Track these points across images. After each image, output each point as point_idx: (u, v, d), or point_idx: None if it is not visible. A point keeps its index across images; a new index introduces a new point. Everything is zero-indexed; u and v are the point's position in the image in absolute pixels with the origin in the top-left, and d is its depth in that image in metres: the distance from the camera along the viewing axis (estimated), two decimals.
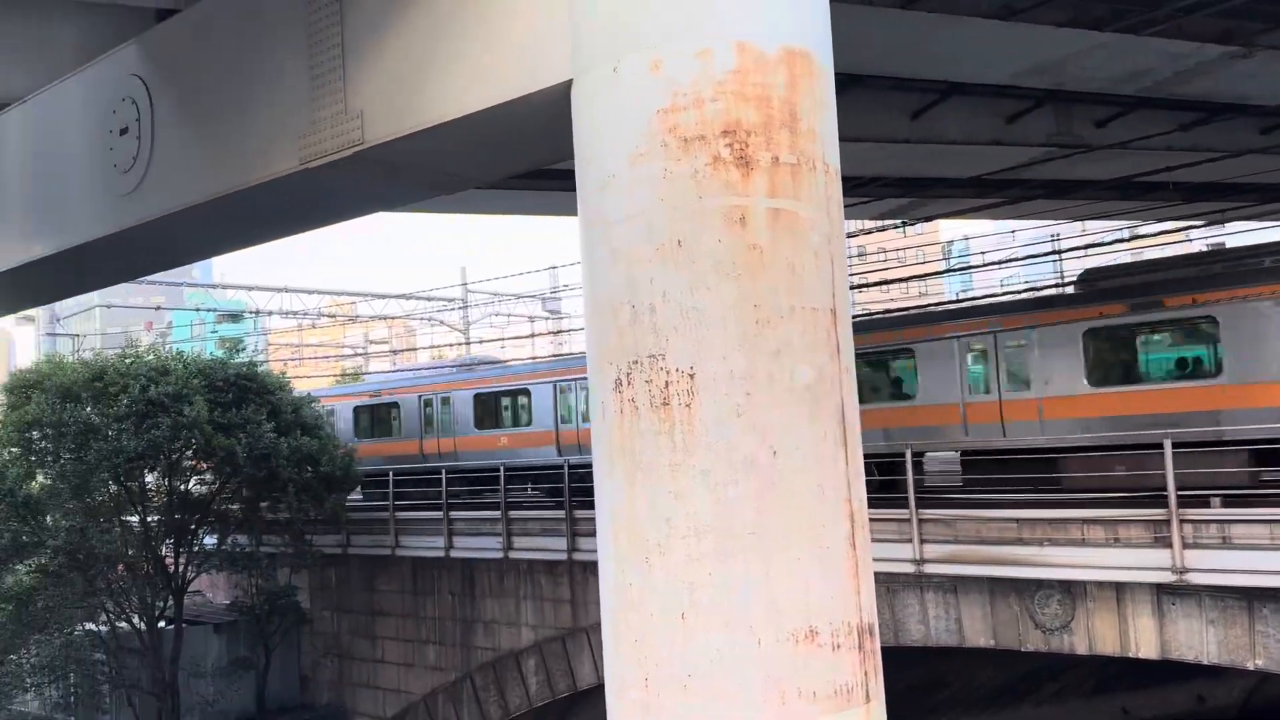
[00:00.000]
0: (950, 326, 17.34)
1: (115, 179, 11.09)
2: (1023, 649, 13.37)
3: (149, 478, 21.04)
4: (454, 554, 19.75)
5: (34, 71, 11.96)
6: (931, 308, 24.21)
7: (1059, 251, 27.80)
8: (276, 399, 22.01)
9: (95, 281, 17.85)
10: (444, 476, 20.14)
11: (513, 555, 18.63)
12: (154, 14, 11.04)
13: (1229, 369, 14.54)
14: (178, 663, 20.97)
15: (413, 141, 8.47)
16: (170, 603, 21.32)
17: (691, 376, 6.02)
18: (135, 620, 20.86)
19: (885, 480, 16.09)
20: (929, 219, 26.59)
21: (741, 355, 6.03)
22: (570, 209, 6.94)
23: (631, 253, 6.21)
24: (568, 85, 6.88)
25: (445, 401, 25.77)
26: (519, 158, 9.42)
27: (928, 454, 17.58)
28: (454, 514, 19.93)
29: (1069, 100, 16.52)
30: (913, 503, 14.06)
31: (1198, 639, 12.06)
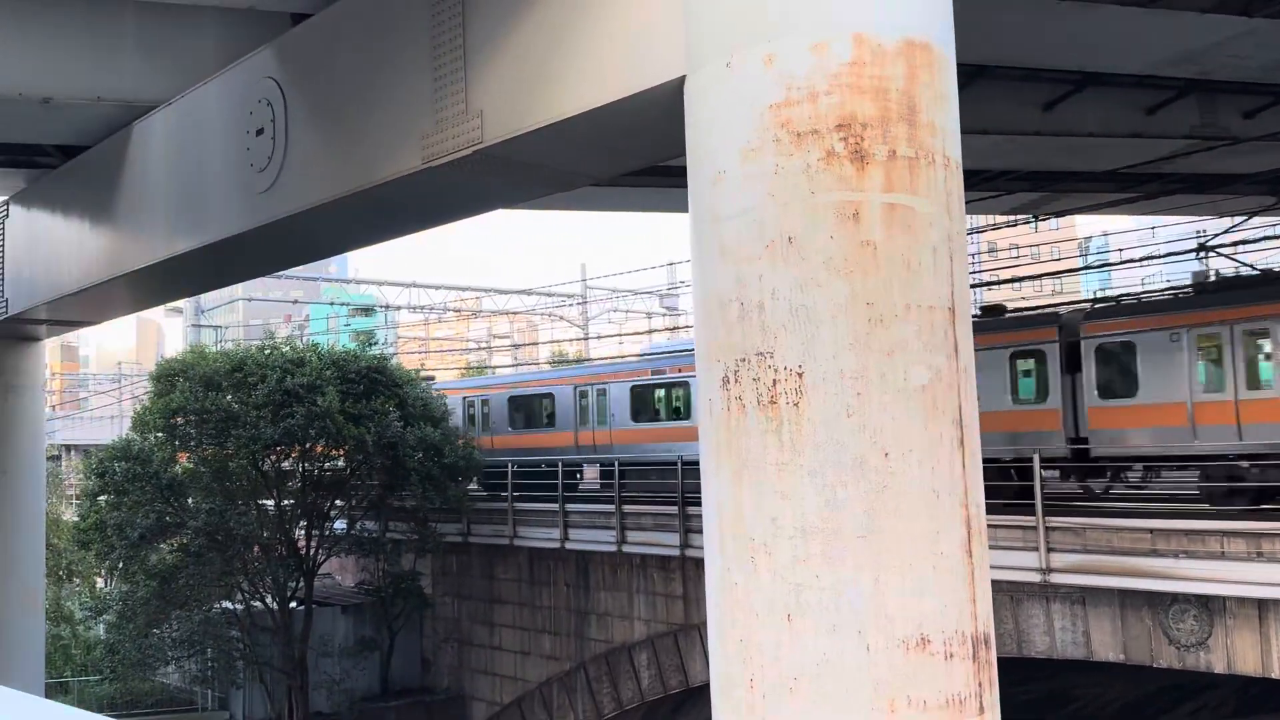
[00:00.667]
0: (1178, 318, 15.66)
1: (252, 178, 11.58)
2: (1155, 665, 12.75)
3: (285, 463, 21.92)
4: (569, 546, 20.00)
5: (178, 75, 12.59)
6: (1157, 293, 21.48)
7: (1205, 248, 26.41)
8: (404, 392, 22.68)
9: (234, 276, 18.76)
10: (560, 469, 20.43)
11: (626, 549, 18.76)
12: (289, 18, 11.48)
13: None
14: (307, 642, 21.83)
15: (530, 140, 8.60)
16: (301, 584, 22.21)
17: (800, 375, 5.93)
18: (268, 600, 21.80)
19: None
20: (1062, 214, 25.60)
21: (852, 355, 5.91)
22: (685, 206, 6.93)
23: (741, 249, 6.16)
24: (681, 81, 6.87)
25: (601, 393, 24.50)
26: (633, 154, 9.46)
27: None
28: (569, 506, 20.17)
29: (1214, 90, 15.65)
30: (1039, 509, 13.55)
31: None
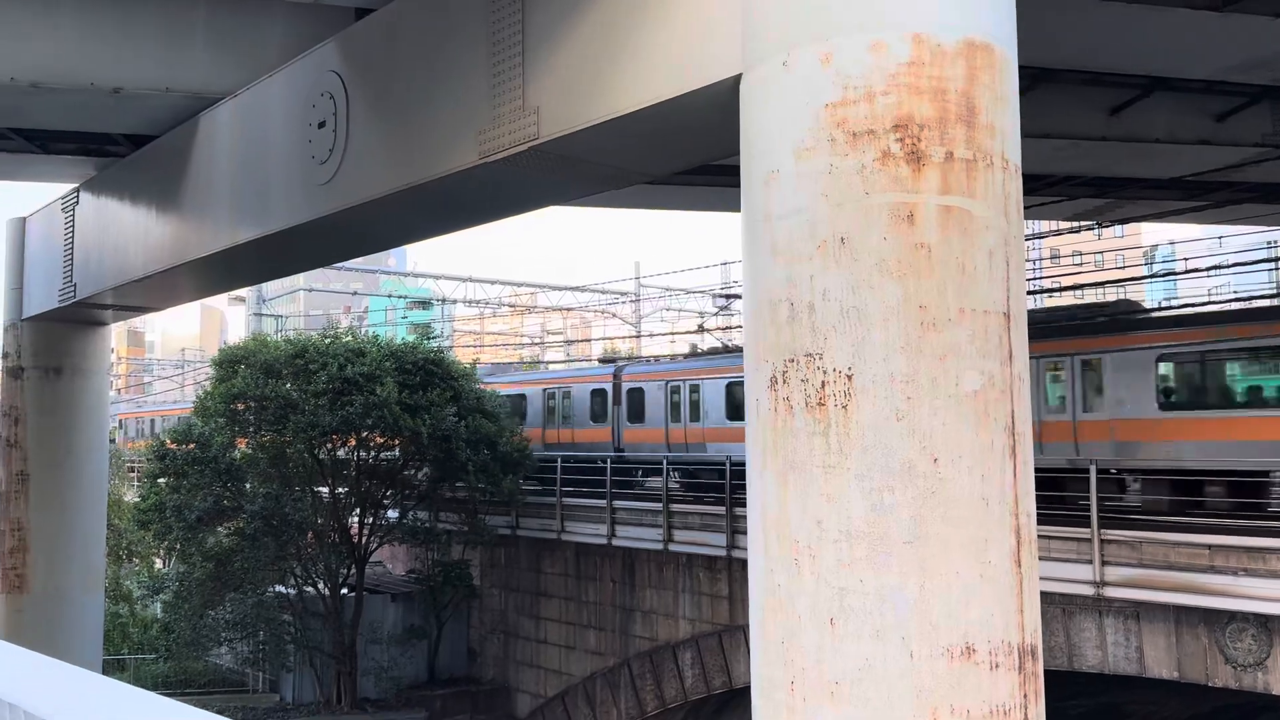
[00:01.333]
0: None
1: (313, 170, 11.77)
2: (1210, 684, 12.45)
3: (341, 451, 22.25)
4: (615, 542, 20.05)
5: (244, 67, 12.84)
6: None
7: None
8: (459, 385, 22.89)
9: (294, 266, 19.06)
10: (608, 465, 20.48)
11: (672, 548, 18.76)
12: (353, 12, 11.65)
13: None
14: (357, 628, 22.15)
15: (586, 136, 8.63)
16: (353, 571, 22.53)
17: (849, 378, 5.89)
18: (320, 585, 22.15)
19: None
20: (1126, 221, 25.08)
21: (903, 358, 5.85)
22: (738, 206, 6.91)
23: (792, 249, 6.12)
24: (737, 79, 6.85)
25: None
26: (688, 153, 9.46)
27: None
28: (616, 503, 20.23)
29: None
30: (1095, 522, 13.31)
31: None
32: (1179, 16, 11.93)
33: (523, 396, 27.35)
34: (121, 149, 16.38)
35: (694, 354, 28.98)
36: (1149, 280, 48.40)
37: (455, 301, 41.80)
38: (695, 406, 22.99)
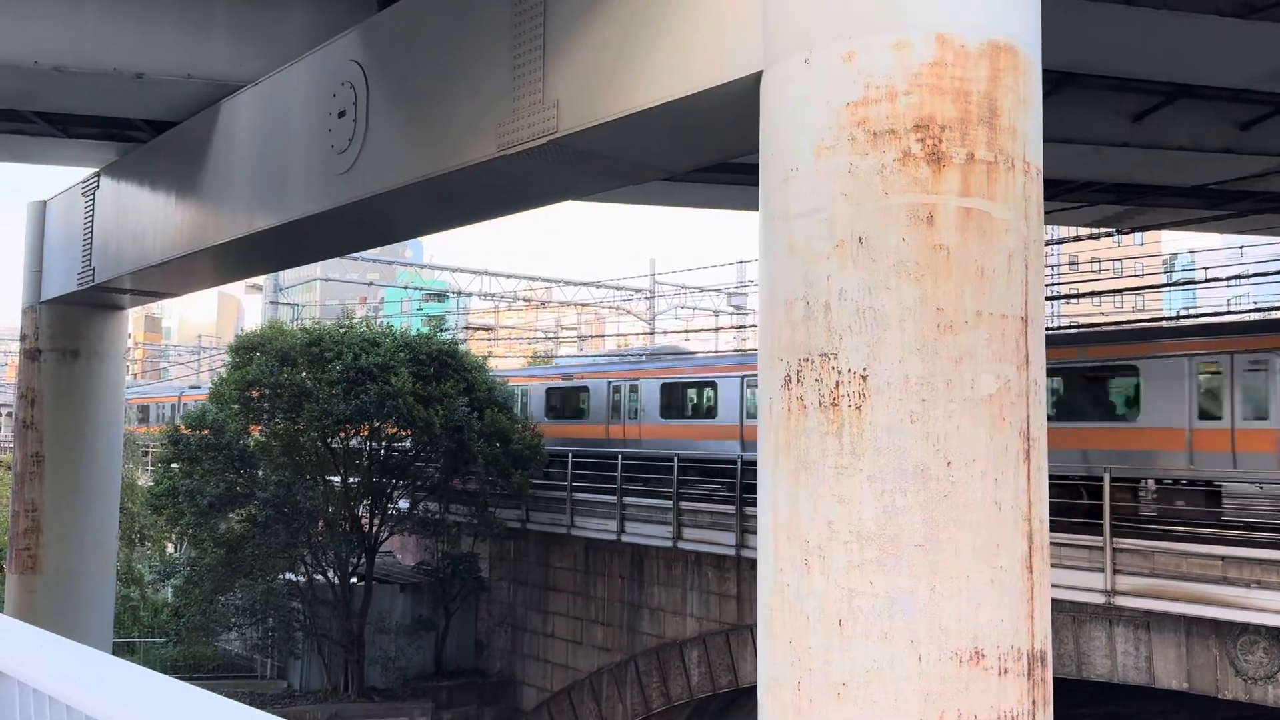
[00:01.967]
0: None
1: (332, 159, 11.79)
2: (1219, 696, 12.38)
3: (353, 441, 22.33)
4: (625, 539, 20.05)
5: (266, 55, 12.87)
6: None
7: None
8: (473, 377, 22.94)
9: (311, 255, 19.12)
10: (619, 461, 20.48)
11: (681, 545, 18.75)
12: (375, 2, 11.66)
13: None
14: (365, 617, 22.23)
15: (605, 131, 8.62)
16: (363, 560, 22.61)
17: (864, 378, 5.86)
18: (330, 574, 22.24)
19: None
20: (1146, 229, 24.92)
21: (919, 360, 5.81)
22: (755, 204, 6.88)
23: (810, 248, 6.09)
24: (758, 77, 6.82)
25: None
26: (706, 149, 9.43)
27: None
28: (627, 500, 20.23)
29: None
30: (1108, 530, 13.24)
31: None
32: (1206, 23, 11.83)
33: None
34: (142, 134, 16.46)
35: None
36: (1168, 289, 48.10)
37: (470, 294, 41.87)
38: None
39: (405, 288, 52.10)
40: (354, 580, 22.56)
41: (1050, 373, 7.14)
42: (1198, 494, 16.09)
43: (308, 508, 21.31)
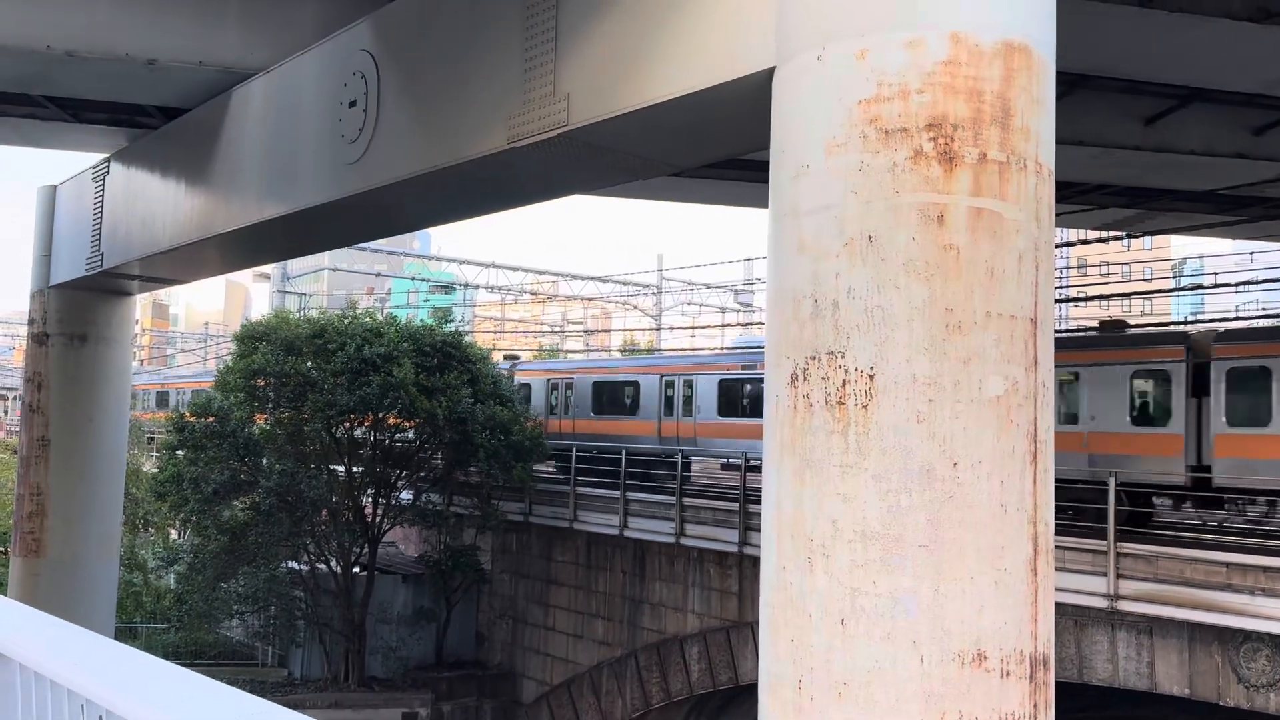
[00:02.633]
0: None
1: (342, 149, 11.78)
2: (1221, 703, 12.35)
3: (357, 431, 22.36)
4: (627, 534, 20.05)
5: (277, 44, 12.86)
6: None
7: None
8: (477, 369, 22.95)
9: (319, 244, 19.14)
10: (624, 456, 20.49)
11: (684, 542, 18.75)
12: None
13: None
14: (367, 607, 22.27)
15: (615, 125, 8.60)
16: (365, 550, 22.64)
17: (871, 377, 5.84)
18: (333, 563, 22.28)
19: None
20: (1156, 233, 24.82)
21: (926, 360, 5.79)
22: (764, 201, 6.86)
23: (819, 246, 6.07)
24: (770, 73, 6.79)
25: None
26: (716, 145, 9.41)
27: None
28: (630, 495, 20.22)
29: None
30: (1112, 534, 13.21)
31: None
32: (1220, 27, 11.76)
33: None
34: (153, 120, 16.47)
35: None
36: (1176, 294, 47.96)
37: (478, 287, 41.88)
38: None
39: (413, 279, 52.13)
40: (356, 570, 22.60)
41: None
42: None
43: (311, 497, 21.35)
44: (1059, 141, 6.52)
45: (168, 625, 25.81)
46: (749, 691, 17.10)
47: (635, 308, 43.70)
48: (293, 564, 22.64)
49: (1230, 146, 15.29)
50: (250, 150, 13.82)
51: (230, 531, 21.58)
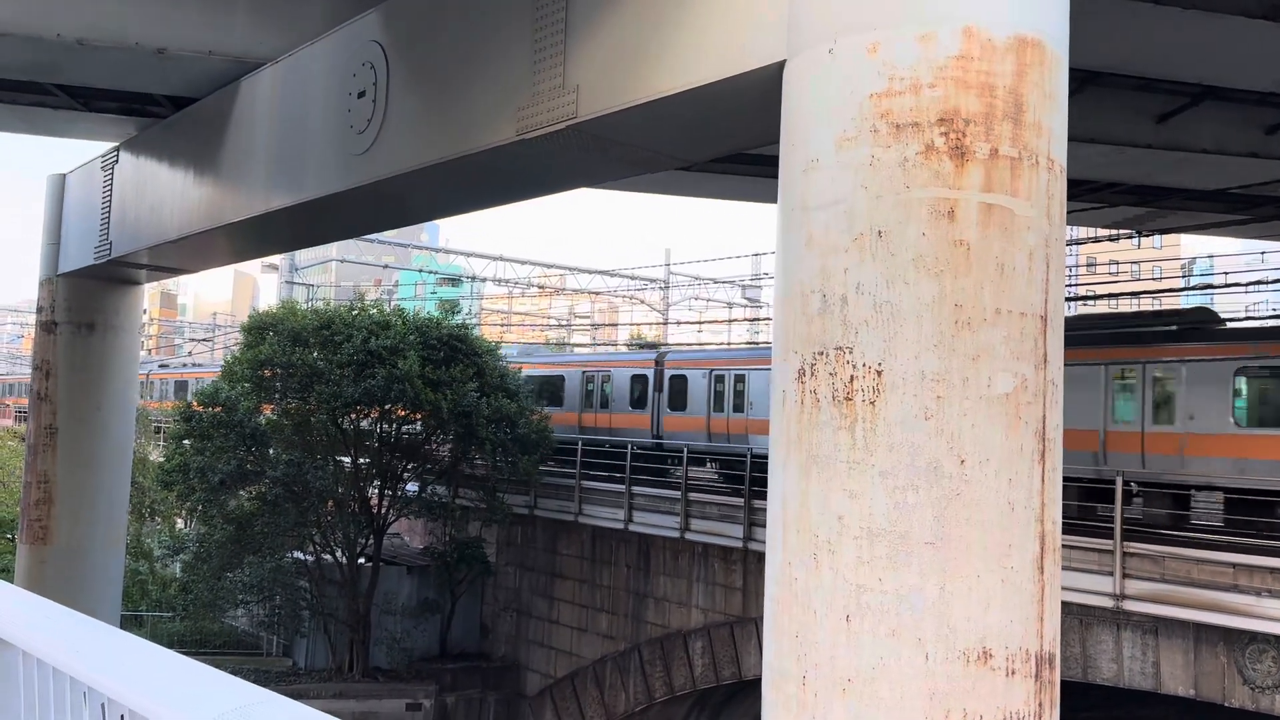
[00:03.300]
0: None
1: (351, 139, 11.76)
2: (1226, 704, 12.30)
3: (363, 423, 22.38)
4: (632, 528, 20.05)
5: (287, 34, 12.84)
6: None
7: None
8: (483, 362, 22.94)
9: (327, 235, 19.12)
10: (629, 450, 20.47)
11: (689, 536, 18.74)
12: None
13: None
14: (372, 598, 22.30)
15: (624, 117, 8.56)
16: (370, 541, 22.67)
17: (879, 373, 5.81)
18: (338, 554, 22.32)
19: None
20: (1166, 231, 24.71)
21: (935, 356, 5.76)
22: (772, 196, 6.82)
23: (828, 240, 6.04)
24: (780, 66, 6.76)
25: None
26: (726, 139, 9.36)
27: None
28: (635, 489, 20.22)
29: None
30: (1118, 534, 13.16)
31: None
32: (1234, 24, 11.68)
33: None
34: (162, 110, 16.47)
35: None
36: (1185, 293, 47.81)
37: (485, 280, 41.87)
38: None
39: (420, 271, 52.12)
40: (361, 561, 22.63)
41: None
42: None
43: (317, 487, 21.38)
44: (1070, 139, 6.48)
45: (173, 614, 25.87)
46: (753, 687, 17.09)
47: (643, 302, 43.66)
48: (298, 554, 22.68)
49: (1242, 145, 15.21)
50: (259, 140, 13.81)
51: (236, 521, 21.62)
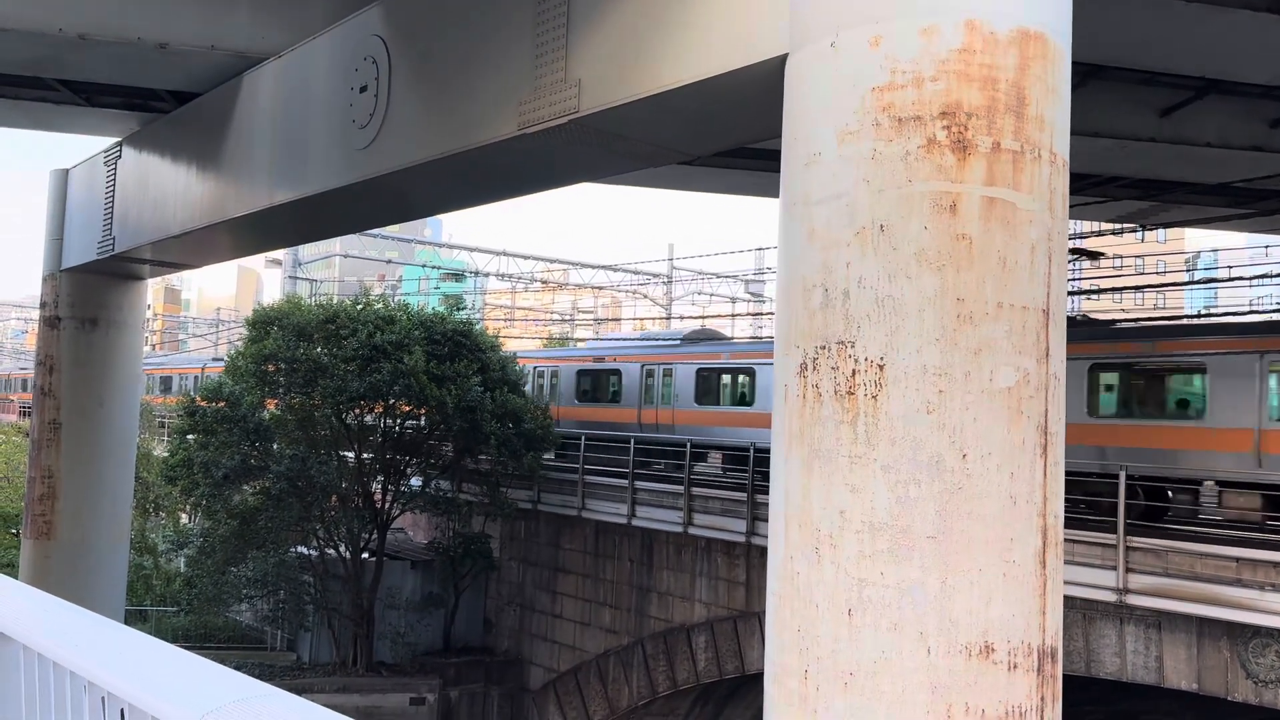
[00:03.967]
0: None
1: (353, 134, 11.76)
2: (1229, 699, 12.30)
3: (368, 418, 22.39)
4: (635, 523, 20.06)
5: (289, 28, 12.84)
6: None
7: None
8: (487, 357, 22.95)
9: (330, 230, 19.14)
10: (632, 445, 20.49)
11: (692, 531, 18.75)
12: None
13: None
14: (376, 593, 22.34)
15: (626, 111, 8.56)
16: (374, 536, 22.70)
17: (881, 368, 5.81)
18: (342, 548, 22.35)
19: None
20: (1170, 225, 24.67)
21: (937, 350, 5.75)
22: (775, 191, 6.82)
23: (830, 235, 6.03)
24: (782, 60, 6.74)
25: None
26: (728, 133, 9.35)
27: None
28: (638, 484, 20.23)
29: None
30: (1121, 528, 13.14)
31: None
32: (1238, 18, 11.66)
33: None
34: (165, 105, 16.48)
35: None
36: (1189, 287, 47.71)
37: (488, 275, 41.87)
38: None
39: (424, 266, 52.14)
40: (365, 555, 22.66)
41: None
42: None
43: (321, 482, 21.40)
44: (1073, 133, 6.46)
45: (177, 609, 25.95)
46: (755, 681, 17.11)
47: (646, 296, 43.65)
48: (302, 549, 22.71)
49: (1246, 139, 15.18)
50: (261, 135, 13.81)
51: (240, 516, 21.65)
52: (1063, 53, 6.23)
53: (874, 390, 5.81)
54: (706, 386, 23.33)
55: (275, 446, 22.07)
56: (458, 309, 27.76)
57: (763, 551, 16.86)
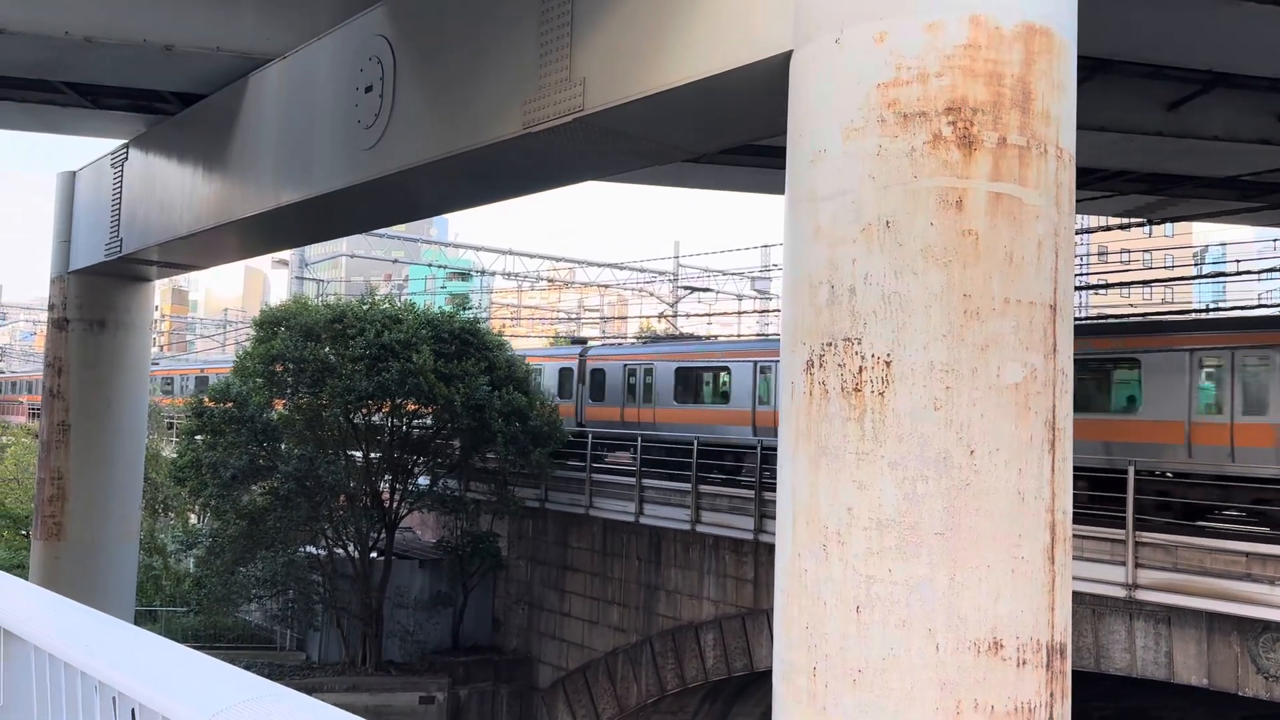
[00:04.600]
0: None
1: (358, 134, 11.78)
2: (1239, 694, 12.26)
3: (375, 417, 22.42)
4: (643, 521, 20.06)
5: (294, 29, 12.86)
6: None
7: None
8: (494, 356, 22.96)
9: (336, 230, 19.19)
10: (639, 444, 20.48)
11: (700, 529, 18.74)
12: None
13: None
14: (384, 592, 22.37)
15: (630, 110, 8.56)
16: (383, 535, 22.73)
17: (888, 364, 5.80)
18: (350, 548, 22.38)
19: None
20: (1178, 220, 24.58)
21: (944, 347, 5.75)
22: (780, 188, 6.81)
23: (835, 231, 6.03)
24: (787, 56, 6.74)
25: None
26: (733, 130, 9.35)
27: None
28: (646, 482, 20.22)
29: None
30: (1130, 523, 13.11)
31: None
32: (1245, 10, 11.61)
33: None
34: (171, 106, 16.51)
35: None
36: (1198, 281, 47.59)
37: (494, 274, 41.89)
38: None
39: (430, 265, 52.18)
40: (374, 555, 22.69)
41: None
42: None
43: (329, 482, 21.43)
44: (1079, 127, 6.45)
45: (187, 609, 26.03)
46: (765, 678, 17.11)
47: (651, 294, 43.64)
48: (311, 549, 22.74)
49: (1254, 132, 15.12)
50: (267, 136, 13.84)
51: (249, 516, 21.69)
52: (1068, 47, 6.21)
53: (881, 387, 5.80)
54: None
55: (283, 446, 22.10)
56: (464, 308, 27.75)
57: (771, 549, 16.81)
